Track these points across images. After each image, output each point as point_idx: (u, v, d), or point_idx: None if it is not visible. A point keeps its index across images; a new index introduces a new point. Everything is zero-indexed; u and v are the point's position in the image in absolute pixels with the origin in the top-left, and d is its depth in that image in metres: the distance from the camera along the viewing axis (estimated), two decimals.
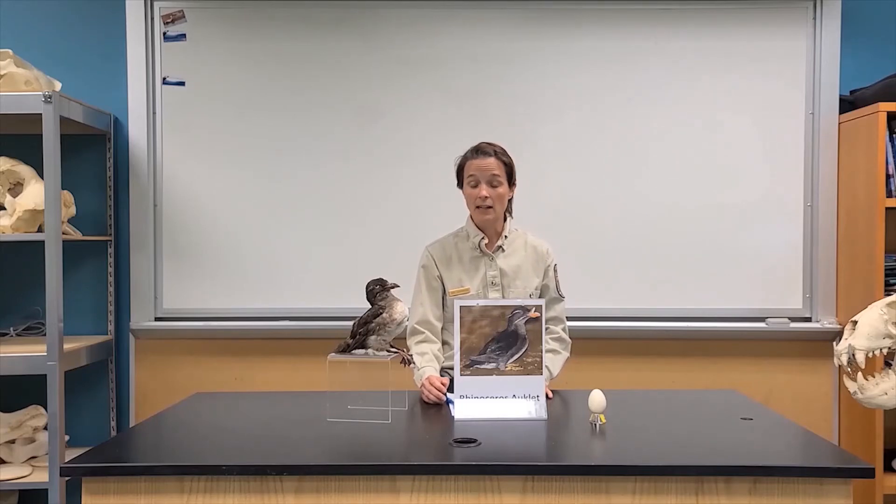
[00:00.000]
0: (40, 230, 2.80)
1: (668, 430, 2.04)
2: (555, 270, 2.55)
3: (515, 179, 2.48)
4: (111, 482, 1.75)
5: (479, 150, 2.43)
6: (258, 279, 3.19)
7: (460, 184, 2.48)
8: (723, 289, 3.17)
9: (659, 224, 3.18)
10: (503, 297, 2.45)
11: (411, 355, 2.31)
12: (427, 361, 2.39)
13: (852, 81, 3.14)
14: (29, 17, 3.19)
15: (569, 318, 2.61)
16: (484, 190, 2.39)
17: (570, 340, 2.56)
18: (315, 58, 3.18)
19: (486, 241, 2.48)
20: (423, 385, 2.33)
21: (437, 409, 2.24)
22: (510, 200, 2.52)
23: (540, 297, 2.50)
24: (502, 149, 2.46)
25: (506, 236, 2.49)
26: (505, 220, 2.51)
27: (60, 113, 2.74)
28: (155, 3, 3.18)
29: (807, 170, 3.17)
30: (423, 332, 2.46)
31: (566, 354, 2.54)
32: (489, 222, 2.46)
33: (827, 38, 3.15)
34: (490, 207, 2.41)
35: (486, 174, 2.39)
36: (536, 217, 3.09)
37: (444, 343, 2.51)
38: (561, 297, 2.56)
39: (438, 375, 2.36)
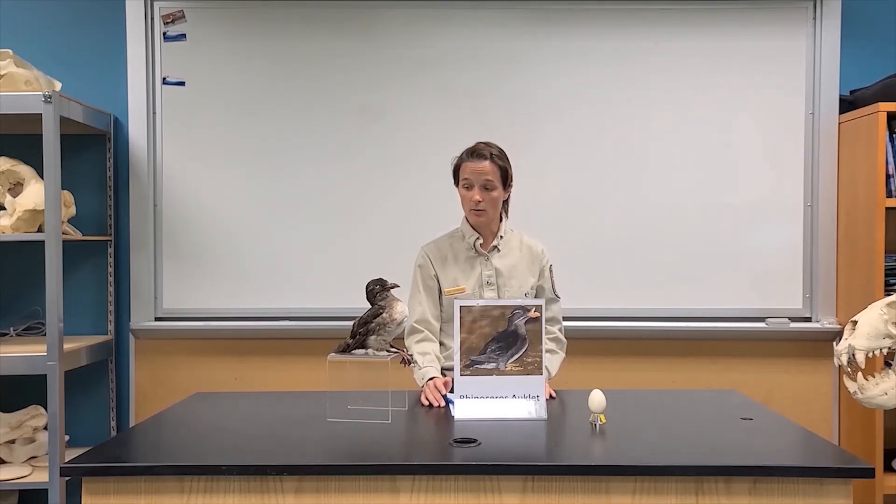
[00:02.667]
0: (40, 230, 2.80)
1: (668, 430, 2.04)
2: (550, 271, 2.55)
3: (511, 182, 2.47)
4: (111, 482, 1.75)
5: (474, 153, 2.41)
6: (258, 279, 3.19)
7: (457, 182, 2.48)
8: (723, 289, 3.17)
9: (659, 224, 3.18)
10: (498, 296, 2.45)
11: (411, 355, 2.31)
12: (429, 362, 2.39)
13: (852, 81, 3.14)
14: (29, 17, 3.19)
15: (570, 319, 2.62)
16: (477, 194, 2.39)
17: (566, 340, 2.56)
18: (315, 58, 3.18)
19: (481, 241, 2.48)
20: (426, 387, 2.33)
21: (437, 409, 2.23)
22: (506, 201, 2.52)
23: (536, 298, 2.50)
24: (499, 150, 2.44)
25: (501, 236, 2.49)
26: (500, 220, 2.51)
27: (60, 113, 2.74)
28: (155, 3, 3.18)
29: (807, 170, 3.17)
30: (423, 332, 2.46)
31: (563, 355, 2.54)
32: (483, 224, 2.46)
33: (827, 38, 3.15)
34: (483, 210, 2.41)
35: (481, 178, 2.39)
36: (537, 217, 3.10)
37: (440, 343, 2.51)
38: (557, 298, 2.56)
39: (441, 377, 2.36)
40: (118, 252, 3.22)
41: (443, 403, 2.26)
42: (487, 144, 2.44)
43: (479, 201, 2.39)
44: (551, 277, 2.55)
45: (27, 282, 3.17)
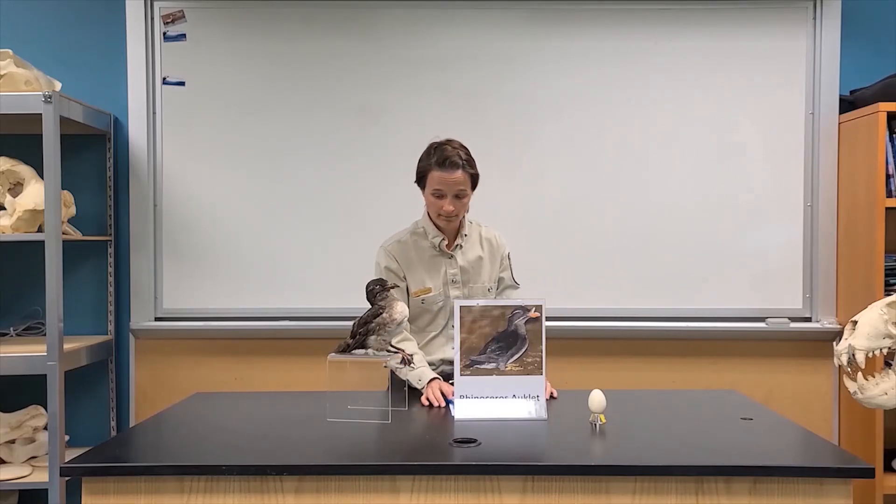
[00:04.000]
0: (40, 230, 2.80)
1: (668, 430, 2.04)
2: (508, 258, 2.54)
3: (478, 182, 2.41)
4: (111, 482, 1.75)
5: (446, 162, 2.31)
6: (258, 279, 3.19)
7: (419, 182, 2.41)
8: (723, 289, 3.17)
9: (659, 224, 3.18)
10: (462, 294, 2.45)
11: (411, 356, 2.31)
12: (420, 362, 2.39)
13: (852, 81, 3.14)
14: (29, 17, 3.19)
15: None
16: (449, 204, 2.34)
17: None
18: (315, 58, 3.18)
19: (445, 241, 2.46)
20: (429, 387, 2.32)
21: (437, 409, 2.24)
22: None
23: (498, 288, 2.51)
24: (468, 155, 2.36)
25: (465, 235, 2.48)
26: (462, 217, 2.48)
27: (60, 113, 2.74)
28: (155, 3, 3.18)
29: (807, 170, 3.17)
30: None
31: None
32: (451, 227, 2.45)
33: (827, 38, 3.15)
34: (455, 218, 2.39)
35: (454, 189, 2.33)
36: (536, 217, 3.10)
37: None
38: (516, 285, 2.54)
39: (441, 380, 2.36)
40: (118, 252, 3.22)
41: (444, 404, 2.26)
42: (454, 148, 2.35)
43: (452, 210, 2.35)
44: (510, 265, 2.54)
45: (27, 282, 3.17)
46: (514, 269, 2.57)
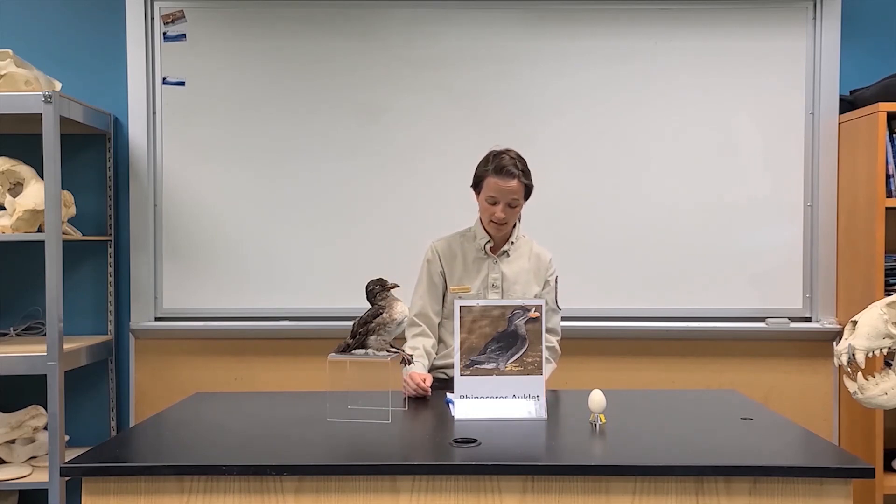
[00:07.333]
0: (40, 230, 2.80)
1: (668, 430, 2.04)
2: (556, 282, 2.55)
3: (531, 193, 2.46)
4: (111, 482, 1.75)
5: (503, 170, 2.36)
6: (258, 279, 3.19)
7: (475, 187, 2.46)
8: (723, 289, 3.17)
9: (659, 224, 3.18)
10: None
11: (410, 355, 2.32)
12: (417, 357, 2.41)
13: (852, 81, 3.14)
14: (29, 17, 3.19)
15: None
16: (501, 211, 2.38)
17: (560, 352, 2.57)
18: (315, 58, 3.18)
19: (492, 244, 2.48)
20: (406, 379, 2.35)
21: (437, 409, 2.24)
22: None
23: None
24: (524, 166, 2.41)
25: (512, 242, 2.50)
26: (513, 226, 2.51)
27: (60, 113, 2.74)
28: (155, 3, 3.18)
29: (807, 170, 3.17)
30: (420, 326, 2.48)
31: (555, 365, 2.55)
32: (500, 233, 2.47)
33: (827, 38, 3.15)
34: (505, 225, 2.42)
35: (507, 196, 2.38)
36: (536, 217, 3.09)
37: (439, 341, 2.52)
38: (558, 309, 2.57)
39: (422, 373, 2.38)
40: (118, 252, 3.22)
41: (412, 394, 2.30)
42: (511, 158, 2.39)
43: (503, 217, 2.39)
44: (555, 289, 2.55)
45: (27, 282, 3.17)
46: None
